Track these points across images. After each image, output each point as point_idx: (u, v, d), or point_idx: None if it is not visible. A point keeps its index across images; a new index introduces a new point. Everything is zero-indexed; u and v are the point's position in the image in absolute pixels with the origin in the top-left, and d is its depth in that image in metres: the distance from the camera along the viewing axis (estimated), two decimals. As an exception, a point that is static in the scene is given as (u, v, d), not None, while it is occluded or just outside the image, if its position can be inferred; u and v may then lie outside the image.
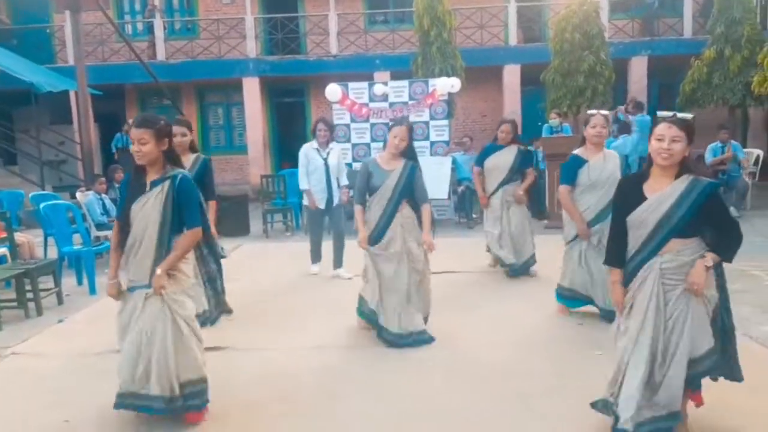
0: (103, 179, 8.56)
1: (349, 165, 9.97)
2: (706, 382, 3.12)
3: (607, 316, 4.83)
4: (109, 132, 14.77)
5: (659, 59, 14.60)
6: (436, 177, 9.49)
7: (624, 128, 10.23)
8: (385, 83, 10.76)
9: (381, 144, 5.29)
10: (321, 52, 15.64)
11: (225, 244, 5.90)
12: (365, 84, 10.57)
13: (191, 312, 3.45)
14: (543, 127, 12.00)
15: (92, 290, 6.48)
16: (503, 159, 6.44)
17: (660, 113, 3.00)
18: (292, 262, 7.48)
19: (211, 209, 5.31)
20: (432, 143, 10.30)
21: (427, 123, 10.29)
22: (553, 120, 11.56)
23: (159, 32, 15.38)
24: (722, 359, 3.04)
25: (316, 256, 7.01)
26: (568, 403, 3.54)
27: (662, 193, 2.92)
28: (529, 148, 7.26)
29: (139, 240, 3.35)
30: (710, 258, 2.90)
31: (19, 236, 7.09)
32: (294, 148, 7.00)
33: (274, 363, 4.37)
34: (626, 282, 3.06)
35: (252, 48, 15.30)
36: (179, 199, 3.35)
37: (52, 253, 7.51)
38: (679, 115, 2.94)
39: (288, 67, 15.38)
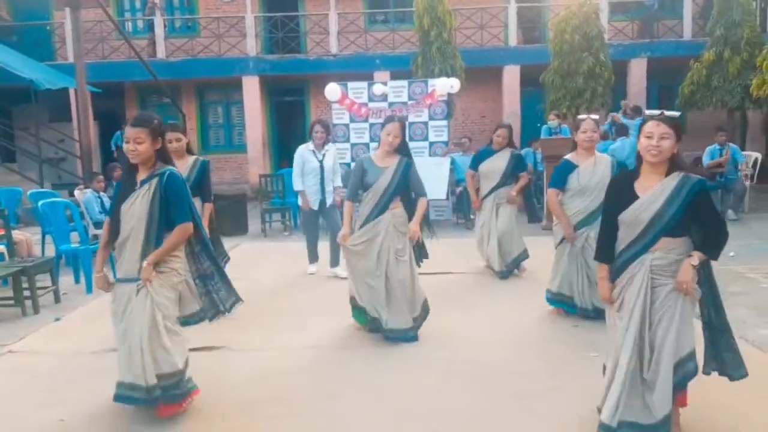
0: (102, 177, 8.56)
1: (348, 165, 9.96)
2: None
3: (583, 314, 5.00)
4: (109, 130, 14.77)
5: (659, 61, 14.61)
6: (435, 177, 9.49)
7: (622, 131, 10.25)
8: (385, 83, 10.76)
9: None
10: (321, 52, 15.64)
11: (223, 243, 5.89)
12: (364, 84, 10.57)
13: (173, 309, 3.47)
14: (542, 128, 12.01)
15: (89, 289, 6.48)
16: (497, 164, 6.49)
17: (648, 111, 3.06)
18: (290, 261, 7.48)
19: (206, 211, 5.32)
20: (431, 144, 10.31)
21: (426, 123, 10.29)
22: (552, 121, 11.58)
23: (159, 30, 15.37)
24: (712, 353, 3.08)
25: (313, 256, 7.02)
26: (565, 403, 3.56)
27: (653, 192, 2.95)
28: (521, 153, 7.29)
29: (127, 237, 3.40)
30: (697, 257, 2.94)
31: (17, 234, 7.09)
32: (293, 148, 6.99)
33: (271, 363, 4.38)
34: (614, 277, 3.10)
35: (252, 47, 15.30)
36: (167, 195, 3.38)
37: (50, 251, 7.52)
38: (667, 113, 3.00)
39: (288, 66, 15.38)
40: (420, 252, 4.89)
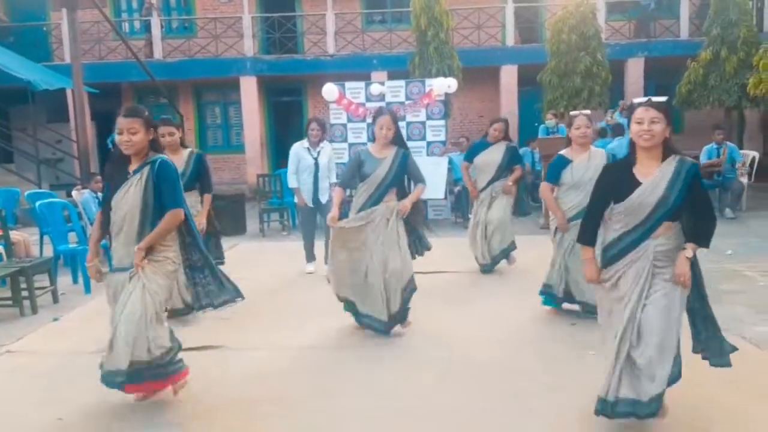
0: (99, 177, 8.53)
1: (346, 166, 9.98)
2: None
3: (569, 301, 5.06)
4: (106, 130, 14.68)
5: (656, 60, 14.63)
6: (433, 177, 9.44)
7: (618, 130, 10.27)
8: (382, 83, 10.77)
9: None
10: (318, 52, 15.63)
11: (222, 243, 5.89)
12: (362, 84, 10.58)
13: (164, 297, 3.50)
14: (539, 127, 12.03)
15: (87, 289, 6.47)
16: (492, 157, 6.55)
17: (635, 100, 3.10)
18: (288, 261, 7.48)
19: (206, 202, 5.34)
20: (428, 143, 10.32)
21: (423, 123, 10.31)
22: (550, 121, 11.60)
23: (156, 31, 15.34)
24: (696, 337, 3.16)
25: (310, 256, 7.03)
26: (563, 402, 3.56)
27: (655, 177, 3.00)
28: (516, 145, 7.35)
29: (121, 226, 3.42)
30: (691, 249, 3.00)
31: (15, 234, 7.08)
32: (290, 148, 7.01)
33: (268, 362, 4.38)
34: (611, 261, 3.12)
35: (249, 47, 15.29)
36: (159, 182, 3.40)
37: (48, 252, 7.51)
38: (654, 99, 3.03)
39: (285, 67, 15.38)
40: (420, 243, 4.90)
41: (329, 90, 10.27)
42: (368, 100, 10.34)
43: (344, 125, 10.42)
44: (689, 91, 12.65)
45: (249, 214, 10.63)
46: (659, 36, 15.39)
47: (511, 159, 6.59)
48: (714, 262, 6.65)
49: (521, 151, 9.91)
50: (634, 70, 14.71)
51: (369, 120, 10.21)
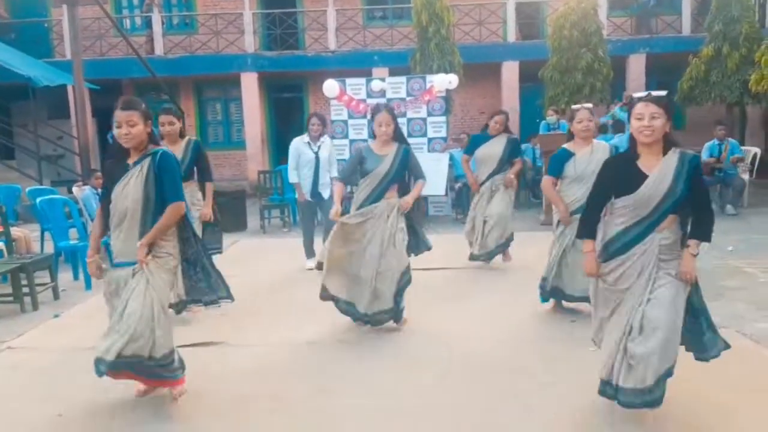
0: (100, 174, 8.53)
1: (346, 161, 9.97)
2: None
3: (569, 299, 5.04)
4: (107, 127, 14.63)
5: (657, 57, 14.59)
6: (434, 173, 9.46)
7: (618, 127, 10.25)
8: (383, 79, 10.75)
9: None
10: (319, 48, 15.61)
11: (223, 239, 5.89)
12: (363, 80, 10.56)
13: (168, 292, 3.48)
14: (540, 124, 12.01)
15: (88, 285, 6.48)
16: (493, 149, 6.53)
17: (635, 94, 3.09)
18: (289, 257, 7.48)
19: (208, 190, 5.33)
20: (429, 140, 10.31)
21: (424, 119, 10.29)
22: (551, 117, 11.58)
23: (157, 27, 15.32)
24: (688, 334, 3.15)
25: (310, 252, 7.03)
26: (563, 400, 3.55)
27: (660, 169, 3.01)
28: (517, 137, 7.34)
29: (121, 218, 3.38)
30: (694, 245, 3.03)
31: (16, 231, 7.09)
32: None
33: (267, 359, 4.38)
34: (614, 255, 3.12)
35: (250, 43, 15.27)
36: (160, 174, 3.37)
37: (49, 248, 7.52)
38: (654, 93, 3.03)
39: (286, 63, 15.35)
40: (418, 243, 4.90)
41: (330, 86, 10.26)
42: (369, 96, 10.33)
43: (345, 122, 10.41)
44: (691, 88, 12.63)
45: (250, 210, 10.63)
46: (661, 32, 15.34)
47: (512, 151, 6.57)
48: (715, 258, 6.65)
49: (522, 147, 9.90)
50: (636, 66, 14.67)
51: (369, 117, 10.20)
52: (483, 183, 6.61)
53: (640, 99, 3.05)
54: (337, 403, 3.67)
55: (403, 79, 10.49)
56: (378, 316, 4.72)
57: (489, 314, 5.27)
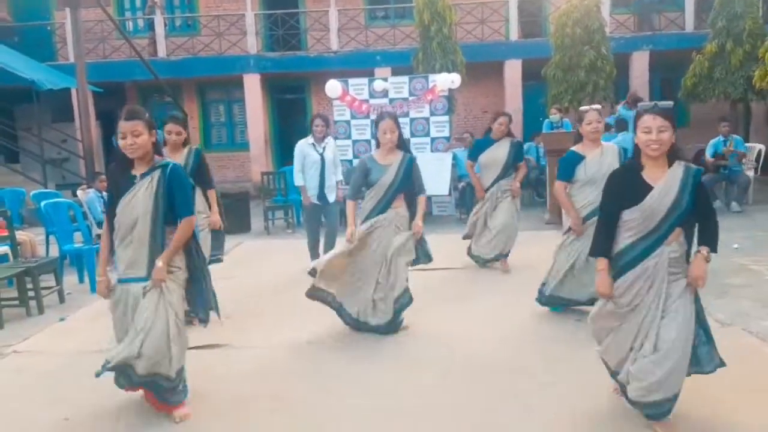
0: (104, 177, 8.55)
1: (350, 162, 9.98)
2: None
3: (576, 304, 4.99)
4: (111, 129, 14.77)
5: (661, 54, 14.53)
6: (437, 173, 9.51)
7: (621, 126, 10.22)
8: (385, 79, 10.75)
9: None
10: (321, 49, 15.62)
11: (226, 241, 5.90)
12: (365, 80, 10.57)
13: (181, 308, 3.42)
14: (543, 122, 11.99)
15: (93, 288, 6.48)
16: (497, 154, 6.46)
17: (641, 104, 3.06)
18: (293, 259, 7.47)
19: (212, 198, 5.34)
20: (432, 139, 10.31)
21: (427, 119, 10.29)
22: (554, 115, 11.55)
23: (159, 29, 15.36)
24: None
25: (314, 254, 7.01)
26: (563, 401, 3.53)
27: (666, 181, 2.99)
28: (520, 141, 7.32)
29: (129, 232, 3.30)
30: (705, 252, 3.01)
31: (21, 234, 7.12)
32: (295, 145, 7.00)
33: (269, 360, 4.39)
34: (623, 270, 3.08)
35: (253, 44, 15.29)
36: (172, 188, 3.31)
37: (54, 252, 7.54)
38: (660, 104, 3.00)
39: (289, 64, 15.36)
40: (423, 254, 4.89)
41: (332, 87, 10.26)
42: (372, 96, 10.34)
43: (348, 122, 10.42)
44: (694, 84, 12.58)
45: (253, 211, 10.64)
46: (664, 29, 15.29)
47: (516, 155, 6.51)
48: (720, 256, 6.60)
49: (525, 146, 9.88)
50: (639, 63, 14.62)
51: (373, 116, 10.21)
52: (488, 188, 6.54)
53: (646, 110, 2.99)
54: (338, 403, 3.67)
55: (406, 78, 10.49)
56: (370, 327, 4.75)
57: (491, 315, 5.25)
